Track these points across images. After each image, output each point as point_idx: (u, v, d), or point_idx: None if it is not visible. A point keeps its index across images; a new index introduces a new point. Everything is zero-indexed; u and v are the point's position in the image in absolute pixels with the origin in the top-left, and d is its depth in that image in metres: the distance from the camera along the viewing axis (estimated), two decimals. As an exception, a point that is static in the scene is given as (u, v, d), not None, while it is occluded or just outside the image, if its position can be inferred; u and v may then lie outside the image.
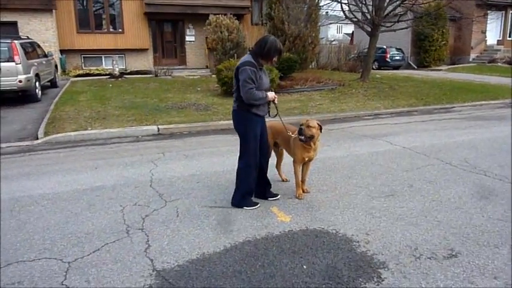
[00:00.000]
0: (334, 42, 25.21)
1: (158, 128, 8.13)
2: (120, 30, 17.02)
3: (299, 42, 16.79)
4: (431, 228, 3.52)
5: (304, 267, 2.95)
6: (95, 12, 16.84)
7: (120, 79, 14.54)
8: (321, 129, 4.15)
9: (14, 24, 14.64)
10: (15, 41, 10.20)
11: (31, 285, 2.79)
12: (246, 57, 3.87)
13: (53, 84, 13.18)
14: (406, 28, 13.26)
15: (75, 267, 3.02)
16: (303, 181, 4.42)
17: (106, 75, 15.29)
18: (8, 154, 6.66)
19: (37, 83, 10.91)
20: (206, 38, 16.86)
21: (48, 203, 4.30)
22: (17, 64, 10.01)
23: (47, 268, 3.00)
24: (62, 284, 2.80)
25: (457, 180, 4.76)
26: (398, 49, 21.50)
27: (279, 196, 4.30)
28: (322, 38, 35.23)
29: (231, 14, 16.73)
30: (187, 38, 18.33)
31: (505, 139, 6.80)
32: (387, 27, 13.28)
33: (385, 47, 21.02)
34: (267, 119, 4.19)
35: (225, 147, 6.60)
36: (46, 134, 7.71)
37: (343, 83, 13.44)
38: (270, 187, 4.35)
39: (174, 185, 4.79)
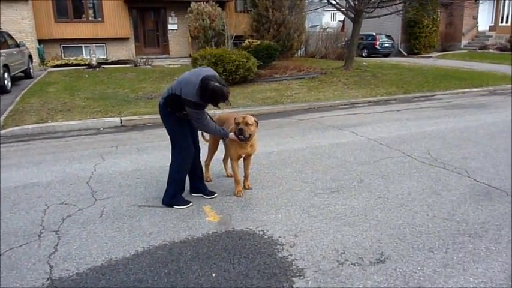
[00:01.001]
0: (328, 30, 24.76)
1: (121, 120, 7.84)
2: (99, 18, 16.57)
3: (283, 29, 16.39)
4: (367, 229, 3.24)
5: (214, 275, 2.67)
6: (73, 0, 16.35)
7: (97, 69, 14.17)
8: (256, 124, 3.87)
9: (-12, 13, 14.22)
10: (-20, 31, 9.81)
11: None
12: (191, 91, 3.36)
13: (27, 74, 12.83)
14: (391, 14, 12.82)
15: (-36, 276, 2.74)
16: (245, 177, 4.16)
17: (85, 65, 14.92)
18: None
19: (6, 74, 10.55)
20: (189, 26, 16.44)
21: (-30, 202, 4.01)
22: (-19, 55, 9.65)
23: None
24: None
25: (412, 175, 4.47)
26: (388, 36, 21.02)
27: (215, 195, 4.01)
28: (317, 25, 34.72)
29: (213, 1, 16.29)
30: (170, 27, 17.88)
31: (477, 128, 6.50)
32: (370, 13, 12.86)
33: (374, 34, 20.56)
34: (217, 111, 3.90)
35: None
36: (3, 127, 7.41)
37: (325, 71, 13.08)
38: (203, 181, 4.09)
39: (111, 182, 4.51)
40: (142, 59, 15.43)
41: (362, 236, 3.14)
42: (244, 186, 4.13)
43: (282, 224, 3.37)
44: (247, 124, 3.71)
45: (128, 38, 17.19)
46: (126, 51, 16.87)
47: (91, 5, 16.60)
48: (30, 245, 3.13)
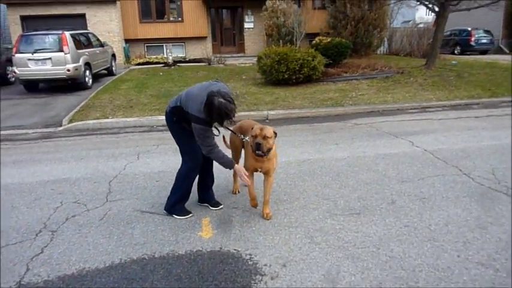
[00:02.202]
0: (420, 25, 22.77)
1: (174, 118, 7.92)
2: (180, 19, 17.27)
3: (362, 26, 15.43)
4: (371, 267, 2.67)
5: (172, 302, 2.39)
6: (156, 2, 17.28)
7: (172, 67, 14.76)
8: (275, 135, 3.32)
9: (83, 16, 15.69)
10: (66, 32, 10.77)
11: None
12: (198, 106, 3.08)
13: (110, 72, 13.82)
14: (484, 6, 11.17)
15: (-47, 270, 2.85)
16: (264, 202, 3.48)
17: (163, 63, 15.66)
18: (29, 140, 6.99)
19: (87, 72, 11.45)
20: (264, 24, 16.32)
21: (3, 193, 4.27)
22: (65, 54, 10.57)
23: None
24: None
25: (459, 199, 3.68)
26: (486, 31, 18.54)
27: (221, 206, 3.72)
28: (409, 20, 32.27)
29: (289, -2, 15.90)
30: (246, 25, 17.95)
31: None
32: (455, 5, 11.35)
33: (469, 29, 18.30)
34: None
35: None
36: (70, 121, 7.99)
37: (402, 70, 11.91)
38: (211, 191, 3.80)
39: (131, 183, 4.48)
40: (216, 57, 15.71)
41: (362, 275, 2.59)
42: (262, 214, 3.48)
43: (275, 249, 2.96)
44: (265, 137, 3.18)
45: (205, 37, 17.67)
46: (204, 49, 17.34)
47: (172, 6, 17.37)
48: (23, 244, 3.17)
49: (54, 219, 3.60)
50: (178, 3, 17.20)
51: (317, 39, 12.59)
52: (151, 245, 3.09)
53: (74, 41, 10.98)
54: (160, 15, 17.27)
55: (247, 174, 3.29)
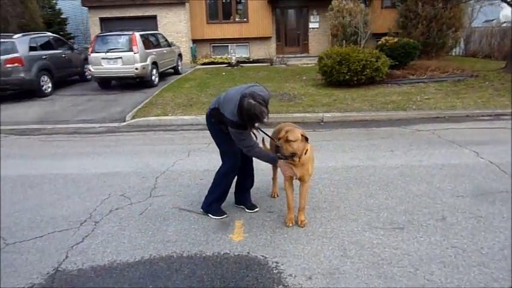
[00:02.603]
0: (504, 25, 20.82)
1: (229, 118, 8.02)
2: (245, 19, 17.50)
3: (434, 25, 14.39)
4: (405, 289, 2.44)
5: (189, 304, 2.38)
6: (223, 3, 17.67)
7: (235, 67, 15.00)
8: (306, 139, 3.14)
9: (154, 17, 16.54)
10: (136, 33, 11.41)
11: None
12: (232, 109, 3.05)
13: (176, 71, 14.39)
14: None
15: (6, 250, 3.11)
16: (299, 209, 3.36)
17: (226, 63, 15.99)
18: (94, 133, 7.50)
19: (154, 70, 12.03)
20: (330, 24, 15.97)
21: (58, 183, 4.61)
22: (135, 53, 11.21)
23: (-15, 247, 3.17)
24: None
25: (523, 221, 3.24)
26: None
27: (257, 209, 3.66)
28: (493, 19, 29.65)
29: (357, -3, 15.39)
30: (311, 25, 17.67)
31: None
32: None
33: None
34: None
35: None
36: (133, 117, 8.44)
37: (477, 73, 10.94)
38: (248, 193, 3.74)
39: (176, 180, 4.59)
40: (279, 57, 15.67)
41: (392, 297, 2.37)
42: (297, 220, 3.36)
43: (304, 259, 2.82)
44: (287, 141, 3.06)
45: (269, 37, 17.71)
46: (268, 50, 17.40)
47: (238, 7, 17.66)
48: (68, 232, 3.38)
49: (99, 211, 3.79)
50: (244, 4, 17.43)
51: (383, 39, 12.02)
52: (181, 243, 3.12)
53: (143, 41, 11.58)
54: (227, 16, 17.63)
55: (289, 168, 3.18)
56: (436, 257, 2.77)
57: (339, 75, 10.19)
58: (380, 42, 12.01)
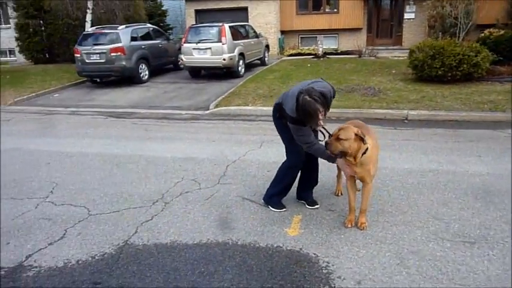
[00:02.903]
0: None
1: (307, 111, 7.97)
2: (335, 10, 17.00)
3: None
4: (463, 309, 2.24)
5: (235, 291, 2.48)
6: (314, -7, 17.43)
7: (321, 59, 14.75)
8: (362, 140, 2.96)
9: (245, 9, 16.93)
10: (225, 25, 11.83)
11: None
12: (291, 105, 3.05)
13: (262, 62, 14.62)
14: None
15: (88, 220, 3.53)
16: (360, 211, 3.25)
17: (313, 55, 15.80)
18: (180, 120, 8.04)
19: (240, 61, 12.39)
20: (428, 14, 14.83)
21: (140, 164, 5.05)
22: (223, 44, 11.65)
23: (71, 211, 3.64)
24: (65, 230, 3.36)
25: None
26: None
27: (317, 206, 3.62)
28: None
29: (461, -17, 14.01)
30: (406, 16, 16.51)
31: None
32: None
33: None
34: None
35: None
36: (216, 106, 8.84)
37: None
38: (310, 190, 3.71)
39: (245, 169, 4.73)
40: (368, 49, 15.02)
41: (447, 316, 2.20)
42: (357, 222, 3.26)
43: (357, 262, 2.74)
44: (338, 139, 2.96)
45: (360, 29, 17.01)
46: (358, 41, 16.77)
47: (330, -3, 17.28)
48: (141, 210, 3.71)
49: (171, 192, 4.08)
50: (336, -6, 16.99)
51: (487, 31, 10.84)
52: (239, 231, 3.23)
53: (232, 33, 11.95)
54: (317, 7, 17.33)
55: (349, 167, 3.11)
56: (507, 279, 2.49)
57: (431, 70, 9.45)
58: (483, 34, 10.83)
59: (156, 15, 18.83)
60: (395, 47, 16.83)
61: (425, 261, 2.72)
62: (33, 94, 10.73)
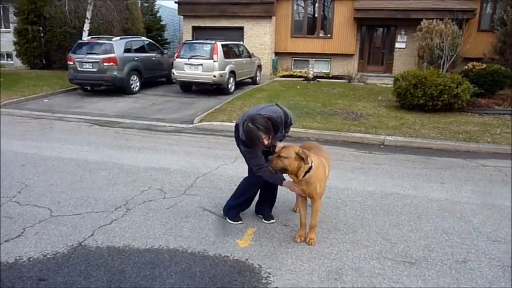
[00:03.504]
0: None
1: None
2: (328, 35, 17.44)
3: (540, 53, 12.96)
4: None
5: (173, 295, 2.57)
6: (308, 18, 17.86)
7: (312, 82, 15.06)
8: (302, 159, 3.09)
9: (241, 29, 17.33)
10: (218, 43, 12.12)
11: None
12: (242, 130, 3.18)
13: (254, 81, 14.89)
14: None
15: (49, 221, 3.62)
16: (311, 227, 3.36)
17: (304, 77, 16.12)
18: (163, 132, 8.16)
19: (231, 79, 12.64)
20: (417, 45, 15.26)
21: (112, 171, 5.15)
22: (214, 61, 11.91)
23: (34, 211, 3.72)
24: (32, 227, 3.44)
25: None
26: None
27: (273, 221, 3.74)
28: None
29: (449, 18, 14.49)
30: (397, 45, 16.98)
31: None
32: None
33: None
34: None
35: (340, 162, 5.96)
36: (200, 121, 8.99)
37: None
38: (271, 207, 3.83)
39: (213, 182, 4.85)
40: (357, 75, 15.37)
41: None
42: (306, 238, 3.38)
43: (297, 275, 2.85)
44: (279, 156, 3.12)
45: (352, 55, 17.43)
46: (349, 67, 17.15)
47: (323, 23, 17.70)
48: (103, 214, 3.81)
49: (135, 200, 4.19)
50: (330, 20, 17.43)
51: (470, 64, 11.17)
52: (191, 240, 3.33)
53: (224, 51, 12.23)
54: (311, 31, 17.78)
55: (295, 187, 3.24)
56: (437, 298, 2.60)
57: (413, 99, 9.72)
58: (466, 67, 11.17)
59: (155, 29, 19.21)
60: (385, 74, 17.21)
61: (362, 278, 2.82)
62: (23, 98, 10.86)
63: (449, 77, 9.88)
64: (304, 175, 3.11)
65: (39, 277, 2.74)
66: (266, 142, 3.05)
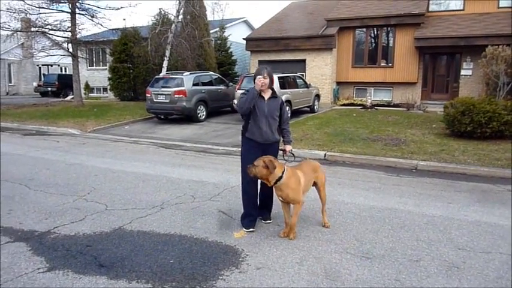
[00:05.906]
0: None
1: (325, 154, 8.82)
2: (390, 64, 17.69)
3: None
4: (317, 291, 3.03)
5: (171, 261, 3.53)
6: (369, 49, 18.34)
7: (369, 110, 15.41)
8: (267, 167, 3.89)
9: (303, 61, 18.41)
10: (275, 75, 13.24)
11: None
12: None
13: (312, 110, 15.72)
14: None
15: (107, 213, 4.85)
16: (291, 226, 4.08)
17: (362, 105, 16.52)
18: (215, 153, 9.36)
19: (287, 108, 13.61)
20: (483, 71, 14.90)
21: (161, 181, 6.35)
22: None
23: (95, 206, 4.99)
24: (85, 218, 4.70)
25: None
26: None
27: (270, 221, 4.55)
28: None
29: (516, 43, 14.04)
30: (463, 72, 16.60)
31: None
32: None
33: None
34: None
35: (361, 182, 6.54)
36: (250, 144, 10.04)
37: None
38: (269, 211, 4.63)
39: (236, 193, 5.75)
40: (416, 103, 15.37)
41: (302, 293, 3.01)
42: (289, 234, 4.10)
43: (267, 258, 3.63)
44: (253, 164, 4.00)
45: (414, 83, 17.40)
46: (412, 95, 17.16)
47: (384, 53, 18.03)
48: (143, 210, 4.95)
49: (170, 202, 5.29)
50: (391, 50, 17.73)
51: (528, 91, 10.80)
52: (199, 230, 4.29)
53: (280, 82, 13.33)
54: (372, 60, 18.21)
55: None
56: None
57: (460, 126, 9.79)
58: (525, 94, 10.83)
59: (226, 63, 21.16)
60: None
61: (319, 264, 3.51)
62: (109, 125, 13.01)
63: (502, 103, 9.77)
64: (276, 182, 3.93)
65: (86, 244, 3.90)
66: (259, 82, 4.02)
